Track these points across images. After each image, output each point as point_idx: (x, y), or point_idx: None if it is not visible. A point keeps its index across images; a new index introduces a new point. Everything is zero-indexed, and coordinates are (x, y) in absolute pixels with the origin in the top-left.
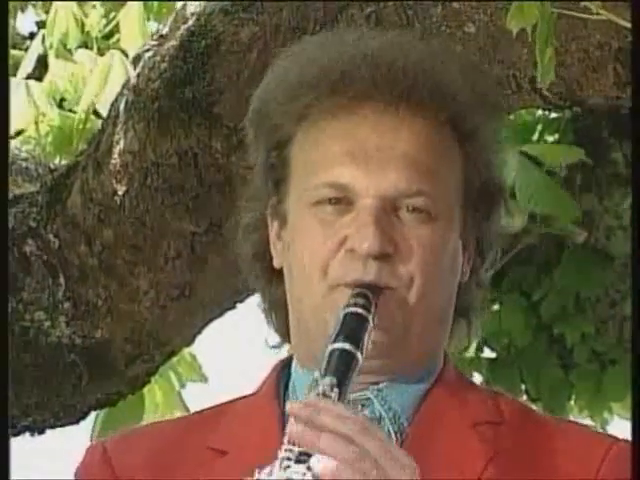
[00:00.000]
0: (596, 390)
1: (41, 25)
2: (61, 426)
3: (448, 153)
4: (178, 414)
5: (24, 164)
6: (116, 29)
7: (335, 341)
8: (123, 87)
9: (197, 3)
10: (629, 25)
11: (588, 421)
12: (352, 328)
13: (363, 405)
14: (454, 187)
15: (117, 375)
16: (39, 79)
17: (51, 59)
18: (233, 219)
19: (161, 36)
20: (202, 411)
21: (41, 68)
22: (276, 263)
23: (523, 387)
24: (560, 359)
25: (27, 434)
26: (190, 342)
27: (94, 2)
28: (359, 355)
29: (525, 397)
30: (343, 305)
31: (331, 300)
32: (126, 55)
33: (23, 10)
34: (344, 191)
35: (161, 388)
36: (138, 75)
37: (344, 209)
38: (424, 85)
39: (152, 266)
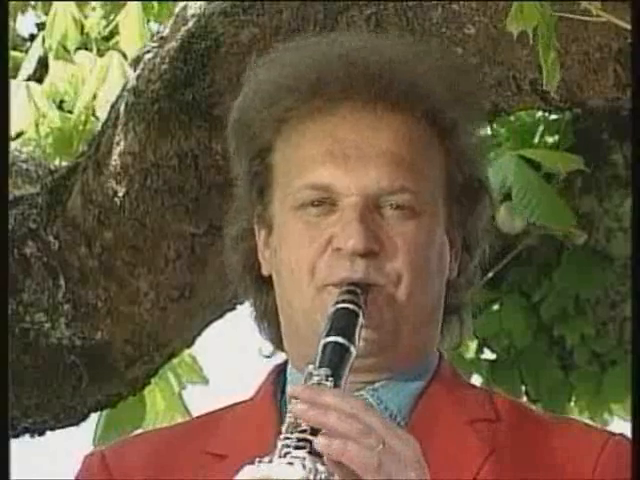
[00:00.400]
0: (596, 391)
1: (41, 27)
2: (61, 428)
3: (428, 149)
4: (178, 416)
5: (24, 165)
6: (116, 31)
7: (327, 335)
8: (123, 89)
9: (197, 5)
10: (629, 27)
11: (588, 422)
12: (343, 322)
13: None
14: (437, 182)
15: (117, 377)
16: (39, 81)
17: (51, 61)
18: (225, 225)
19: (161, 38)
20: (200, 417)
21: (41, 70)
22: (265, 271)
23: (523, 388)
24: (560, 360)
25: (27, 435)
26: (190, 344)
27: (94, 4)
28: (352, 348)
29: (525, 398)
30: (332, 303)
31: (320, 301)
32: (126, 57)
33: (23, 12)
34: (326, 192)
35: (161, 390)
36: (138, 77)
37: (328, 210)
38: (400, 82)
39: (152, 267)
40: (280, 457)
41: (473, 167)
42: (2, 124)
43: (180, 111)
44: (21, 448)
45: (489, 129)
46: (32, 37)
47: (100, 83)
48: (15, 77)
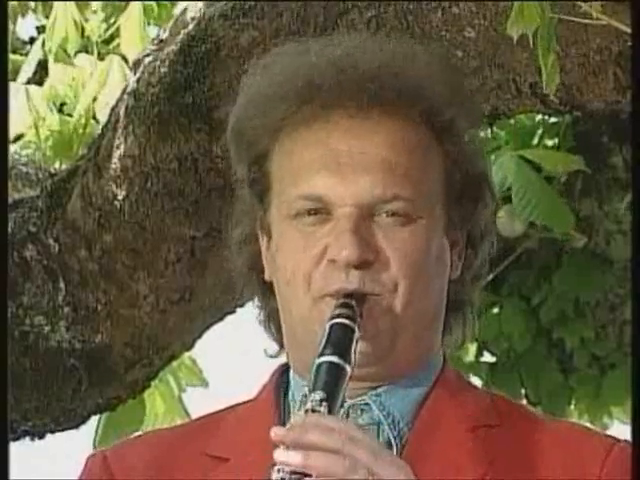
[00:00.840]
0: (596, 394)
1: (41, 30)
2: (61, 431)
3: (425, 152)
4: (178, 419)
5: (24, 169)
6: (116, 34)
7: (322, 354)
8: (123, 92)
9: (197, 8)
10: (629, 30)
11: (588, 425)
12: (338, 339)
13: (362, 410)
14: (434, 186)
15: (117, 380)
16: (39, 84)
17: (51, 64)
18: (229, 228)
19: (161, 41)
20: (202, 418)
21: (41, 73)
22: (267, 276)
23: (523, 391)
24: (560, 363)
25: (27, 439)
26: (190, 347)
27: (94, 6)
28: (347, 367)
29: (525, 401)
30: (328, 317)
31: (318, 311)
32: (126, 60)
33: (23, 15)
34: (320, 202)
35: (161, 393)
36: (138, 80)
37: (324, 218)
38: (392, 86)
39: (152, 270)
40: None
41: (472, 164)
42: (1, 127)
43: (180, 114)
44: (21, 451)
45: (489, 132)
46: (32, 40)
47: (100, 86)
48: (15, 80)
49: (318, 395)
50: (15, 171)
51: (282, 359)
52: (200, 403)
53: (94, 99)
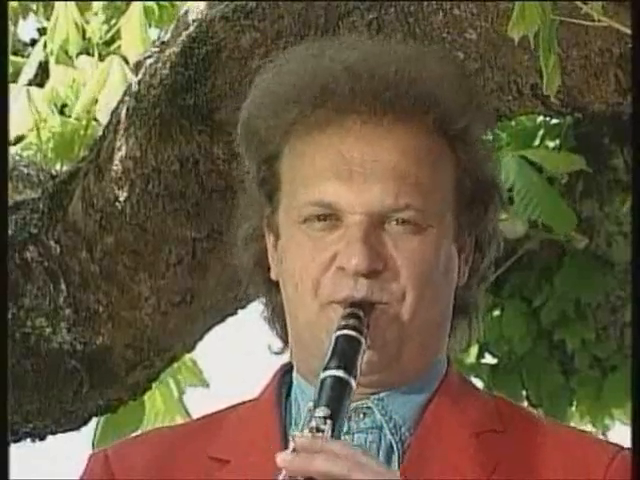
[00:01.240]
0: (597, 396)
1: (42, 32)
2: (62, 432)
3: (437, 159)
4: (179, 419)
5: (25, 170)
6: (117, 35)
7: (327, 368)
8: (124, 93)
9: (198, 10)
10: (630, 31)
11: (589, 427)
12: (344, 352)
13: (364, 414)
14: (445, 193)
15: (118, 381)
16: (40, 85)
17: (52, 65)
18: (234, 225)
19: (162, 42)
20: (203, 418)
21: (42, 74)
22: (273, 275)
23: (524, 393)
24: (561, 365)
25: (28, 440)
26: (191, 348)
27: (95, 8)
28: (352, 381)
29: (526, 403)
30: (335, 327)
31: (325, 318)
32: (127, 61)
33: (25, 17)
34: (330, 208)
35: (161, 394)
36: (139, 81)
37: (333, 225)
38: (407, 93)
39: (153, 272)
40: None
41: (483, 170)
42: (2, 128)
43: (181, 116)
44: (22, 453)
45: (490, 133)
46: (33, 42)
47: (101, 88)
48: (16, 82)
49: (322, 412)
50: (16, 173)
51: (285, 357)
52: (201, 404)
53: (95, 101)
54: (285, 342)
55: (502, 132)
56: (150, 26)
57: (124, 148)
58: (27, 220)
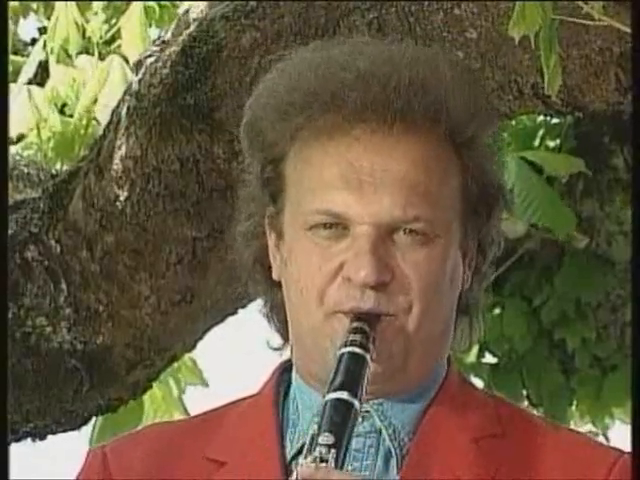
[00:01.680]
0: (597, 395)
1: (43, 31)
2: (62, 432)
3: (445, 167)
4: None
5: (26, 170)
6: (117, 35)
7: (332, 389)
8: (125, 93)
9: (199, 9)
10: (630, 30)
11: (589, 426)
12: (350, 372)
13: (363, 418)
14: (452, 201)
15: (118, 381)
16: (41, 85)
17: (52, 65)
18: (235, 225)
19: (163, 42)
20: (201, 415)
21: (43, 74)
22: (275, 275)
23: (524, 392)
24: (561, 364)
25: (28, 440)
26: (191, 348)
27: (95, 7)
28: (356, 403)
29: (526, 402)
30: (340, 342)
31: (329, 327)
32: (127, 61)
33: (25, 16)
34: (338, 218)
35: (161, 393)
36: (140, 81)
37: (340, 233)
38: (418, 103)
39: (153, 272)
40: None
41: (488, 174)
42: (1, 128)
43: (181, 115)
44: (22, 452)
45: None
46: (34, 41)
47: (101, 87)
48: (16, 81)
49: (326, 439)
50: (17, 172)
51: (284, 355)
52: (200, 403)
53: (95, 100)
54: (284, 338)
55: (502, 132)
56: (150, 25)
57: (124, 147)
58: (27, 219)
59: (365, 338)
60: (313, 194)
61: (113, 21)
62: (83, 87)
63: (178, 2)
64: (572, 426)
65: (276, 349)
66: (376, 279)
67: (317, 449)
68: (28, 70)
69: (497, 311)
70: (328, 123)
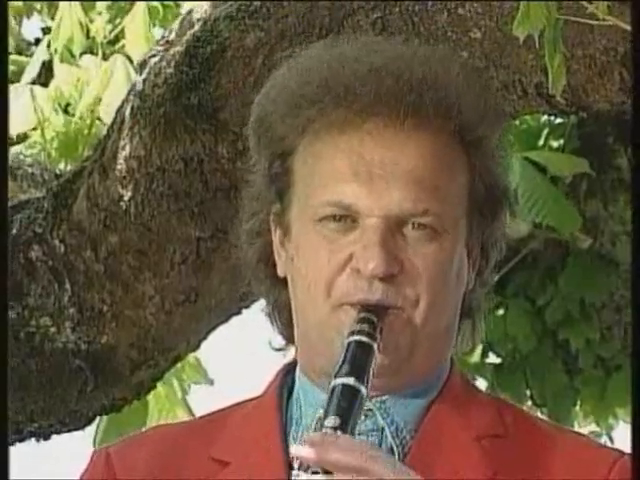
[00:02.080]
0: (601, 396)
1: (46, 31)
2: (67, 432)
3: (454, 165)
4: (182, 418)
5: (29, 170)
6: (121, 35)
7: (339, 374)
8: (129, 93)
9: (203, 9)
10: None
11: (593, 426)
12: (357, 359)
13: (366, 416)
14: (460, 199)
15: (122, 381)
16: (44, 85)
17: (56, 65)
18: (239, 224)
19: (167, 41)
20: (206, 416)
21: (46, 74)
22: (280, 272)
23: (528, 393)
24: (565, 365)
25: (32, 440)
26: (196, 347)
27: (99, 6)
28: (363, 389)
29: (530, 403)
30: (348, 332)
31: (336, 319)
32: (131, 61)
33: (29, 16)
34: (348, 210)
35: (165, 392)
36: (144, 81)
37: (349, 226)
38: (430, 99)
39: (157, 271)
40: None
41: (496, 177)
42: (2, 128)
43: (186, 115)
44: (27, 452)
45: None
46: (37, 41)
47: (105, 87)
48: (19, 81)
49: (332, 421)
50: (20, 172)
51: (287, 355)
52: (205, 403)
53: (99, 100)
54: (286, 338)
55: (506, 132)
56: (154, 25)
57: (128, 147)
58: (32, 219)
59: (372, 328)
60: (323, 187)
61: (117, 21)
62: (87, 87)
63: (182, 2)
64: (576, 426)
65: (278, 350)
66: (385, 270)
67: (323, 430)
68: (32, 70)
69: (501, 311)
70: (340, 117)
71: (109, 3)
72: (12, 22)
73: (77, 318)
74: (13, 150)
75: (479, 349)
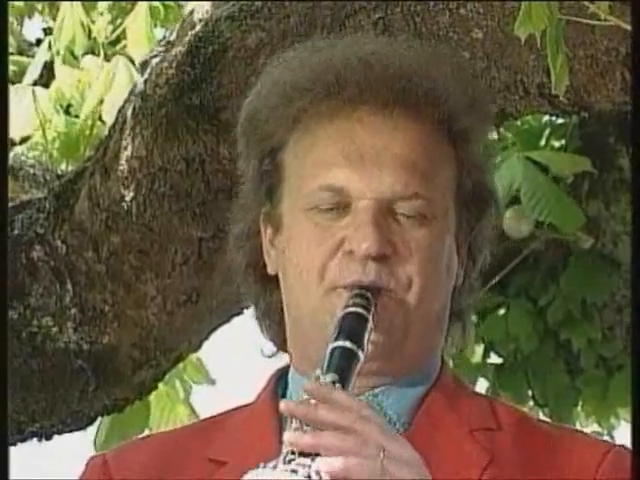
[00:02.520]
0: (603, 396)
1: (48, 32)
2: (68, 432)
3: (441, 156)
4: (185, 417)
5: (31, 170)
6: (123, 35)
7: (336, 339)
8: (130, 93)
9: (204, 9)
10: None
11: (595, 427)
12: (352, 327)
13: None
14: (448, 189)
15: (124, 381)
16: (46, 85)
17: (58, 65)
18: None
19: (168, 42)
20: (201, 421)
21: (48, 74)
22: (271, 270)
23: (530, 393)
24: (567, 365)
25: (34, 440)
26: (197, 348)
27: (100, 7)
28: (360, 353)
29: (532, 403)
30: (342, 306)
31: (329, 303)
32: (132, 61)
33: (30, 16)
34: (340, 194)
35: (167, 391)
36: (145, 81)
37: (340, 213)
38: (418, 87)
39: (159, 272)
40: (284, 463)
41: (482, 174)
42: (2, 129)
43: (187, 115)
44: (28, 452)
45: (496, 133)
46: (39, 42)
47: (107, 87)
48: (21, 82)
49: (331, 377)
50: (22, 172)
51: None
52: (207, 402)
53: (101, 101)
54: (276, 344)
55: (507, 131)
56: (156, 26)
57: (130, 148)
58: (33, 220)
59: (367, 302)
60: (315, 173)
61: (118, 21)
62: (89, 88)
63: (183, 2)
64: (577, 426)
65: (270, 356)
66: (378, 250)
67: (321, 382)
68: (33, 71)
69: (502, 311)
70: (330, 106)
71: (110, 3)
72: (13, 22)
73: (79, 318)
74: (15, 151)
75: (480, 349)
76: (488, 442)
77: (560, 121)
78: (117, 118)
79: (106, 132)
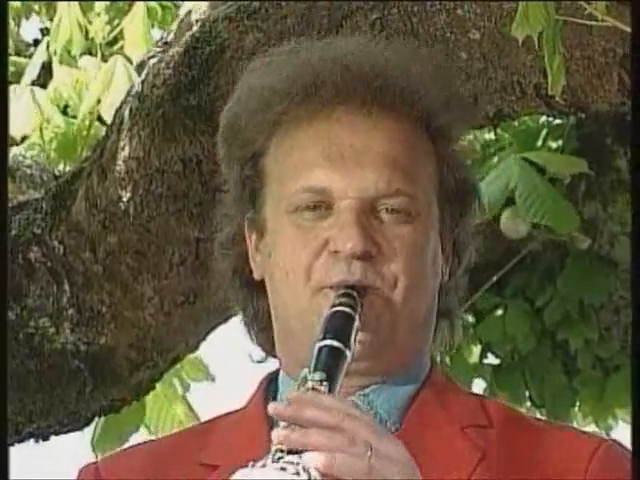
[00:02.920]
0: (600, 396)
1: (45, 32)
2: (65, 432)
3: (422, 153)
4: (182, 416)
5: (28, 171)
6: (120, 36)
7: (323, 339)
8: (127, 94)
9: (202, 10)
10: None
11: (592, 427)
12: (339, 325)
13: None
14: (430, 186)
15: (121, 382)
16: (43, 86)
17: (55, 66)
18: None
19: (165, 43)
20: (193, 427)
21: (45, 75)
22: (256, 275)
23: (527, 393)
24: (564, 365)
25: (31, 440)
26: (194, 348)
27: (98, 7)
28: (347, 352)
29: (529, 403)
30: (329, 306)
31: (317, 303)
32: (130, 62)
33: (27, 17)
34: (322, 195)
35: (164, 390)
36: (142, 82)
37: (323, 214)
38: (394, 86)
39: (156, 272)
40: (273, 462)
41: (463, 171)
42: (1, 129)
43: (184, 116)
44: (26, 453)
45: (493, 134)
46: (36, 42)
47: (104, 88)
48: (19, 82)
49: (318, 375)
50: (19, 173)
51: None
52: (205, 402)
53: (98, 101)
54: (265, 349)
55: (504, 132)
56: (153, 26)
57: (127, 148)
58: (30, 220)
59: (353, 301)
60: (297, 175)
61: (116, 22)
62: (86, 88)
63: (180, 3)
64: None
65: (259, 361)
66: (362, 248)
67: (309, 383)
68: (31, 71)
69: (500, 312)
70: (309, 108)
71: (108, 4)
72: (11, 23)
73: (76, 319)
74: (12, 151)
75: (477, 350)
76: (480, 439)
77: (557, 122)
78: (114, 119)
79: (103, 133)
